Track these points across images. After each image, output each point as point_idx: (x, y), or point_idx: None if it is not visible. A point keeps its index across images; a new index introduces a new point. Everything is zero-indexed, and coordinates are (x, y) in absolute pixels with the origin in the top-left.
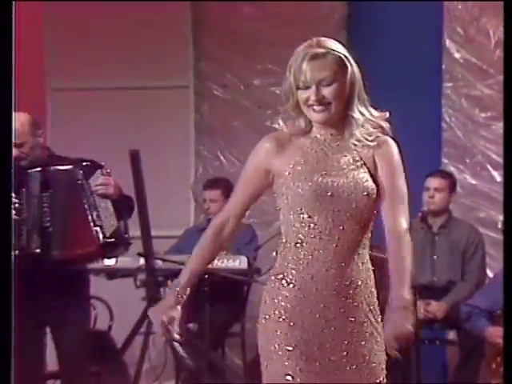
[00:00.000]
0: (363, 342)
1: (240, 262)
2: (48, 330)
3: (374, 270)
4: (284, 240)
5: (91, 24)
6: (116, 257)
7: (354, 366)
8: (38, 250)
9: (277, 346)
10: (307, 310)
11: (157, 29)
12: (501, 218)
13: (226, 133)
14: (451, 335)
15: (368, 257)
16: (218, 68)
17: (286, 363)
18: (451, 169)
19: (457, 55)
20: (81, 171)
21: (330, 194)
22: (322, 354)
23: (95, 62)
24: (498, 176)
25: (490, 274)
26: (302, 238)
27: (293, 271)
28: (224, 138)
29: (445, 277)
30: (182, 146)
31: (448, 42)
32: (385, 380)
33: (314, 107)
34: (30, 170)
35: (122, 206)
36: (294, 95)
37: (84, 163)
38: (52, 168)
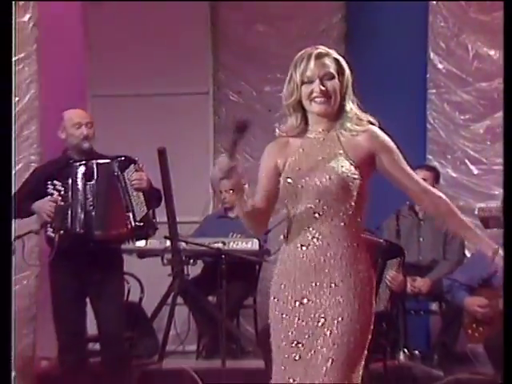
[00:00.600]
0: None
1: (252, 244)
2: (88, 300)
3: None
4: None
5: (127, 40)
6: (145, 239)
7: (329, 331)
8: (81, 231)
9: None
10: (288, 288)
11: (182, 45)
12: (477, 205)
13: None
14: (434, 306)
15: (354, 237)
16: (234, 77)
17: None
18: (435, 163)
19: (440, 66)
20: (117, 165)
21: (310, 188)
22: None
23: (129, 72)
24: (475, 169)
25: (467, 253)
26: (291, 227)
27: (284, 254)
28: None
29: (429, 256)
30: (203, 144)
31: (432, 55)
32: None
33: (317, 99)
34: (76, 163)
35: (152, 196)
36: (297, 90)
37: (119, 158)
38: (94, 162)
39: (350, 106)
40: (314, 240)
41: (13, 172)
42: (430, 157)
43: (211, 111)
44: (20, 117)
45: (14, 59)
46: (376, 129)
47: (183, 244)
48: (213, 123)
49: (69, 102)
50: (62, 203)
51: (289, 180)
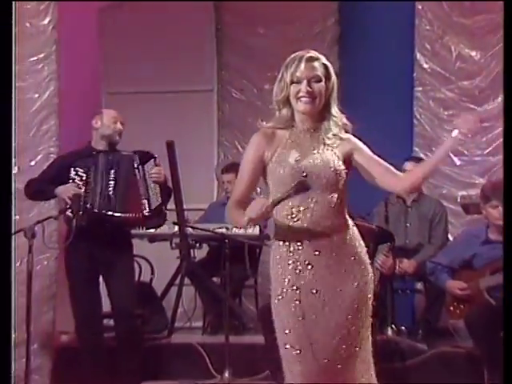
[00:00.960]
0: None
1: (253, 230)
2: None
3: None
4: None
5: (138, 42)
6: (155, 227)
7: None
8: (99, 211)
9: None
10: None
11: (189, 46)
12: (459, 193)
13: (243, 127)
14: (419, 286)
15: (345, 219)
16: (236, 76)
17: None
18: (421, 155)
19: (425, 65)
20: (138, 158)
21: (304, 174)
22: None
23: (140, 71)
24: (457, 161)
25: (450, 237)
26: (285, 211)
27: (281, 239)
28: (241, 131)
29: (415, 240)
30: (208, 137)
31: (418, 55)
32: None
33: (303, 99)
34: (99, 153)
35: (165, 190)
36: (286, 89)
37: (141, 152)
38: (116, 152)
39: (336, 110)
40: (306, 223)
41: (13, 172)
42: (417, 149)
43: (215, 107)
44: (40, 112)
45: (33, 59)
46: (354, 140)
47: (190, 229)
48: (217, 118)
49: (85, 99)
50: (83, 188)
51: (281, 170)
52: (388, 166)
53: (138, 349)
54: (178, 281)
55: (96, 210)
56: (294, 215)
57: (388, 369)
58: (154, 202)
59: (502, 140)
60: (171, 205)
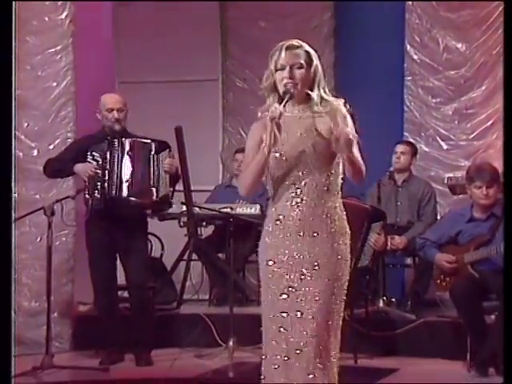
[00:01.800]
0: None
1: (255, 209)
2: (118, 255)
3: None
4: (271, 194)
5: (149, 35)
6: (160, 212)
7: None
8: (113, 195)
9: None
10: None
11: (195, 39)
12: (446, 175)
13: (246, 114)
14: (409, 261)
15: (333, 198)
16: (240, 66)
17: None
18: (410, 140)
19: (415, 57)
20: (154, 146)
21: (285, 158)
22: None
23: (151, 62)
24: (444, 145)
25: (438, 216)
26: (277, 192)
27: (274, 215)
28: (244, 118)
29: (405, 218)
30: (213, 123)
31: (408, 47)
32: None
33: (286, 85)
34: (114, 139)
35: (175, 180)
36: (272, 76)
37: (158, 142)
38: (135, 139)
39: (317, 93)
40: (301, 203)
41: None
42: (407, 134)
43: (220, 96)
44: (58, 100)
45: (51, 50)
46: (337, 106)
47: (197, 209)
48: (222, 106)
49: (99, 87)
50: (100, 172)
51: (276, 154)
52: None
53: (150, 318)
54: (186, 256)
55: (113, 194)
56: (292, 195)
57: (379, 337)
58: (162, 191)
59: (485, 126)
60: (179, 186)
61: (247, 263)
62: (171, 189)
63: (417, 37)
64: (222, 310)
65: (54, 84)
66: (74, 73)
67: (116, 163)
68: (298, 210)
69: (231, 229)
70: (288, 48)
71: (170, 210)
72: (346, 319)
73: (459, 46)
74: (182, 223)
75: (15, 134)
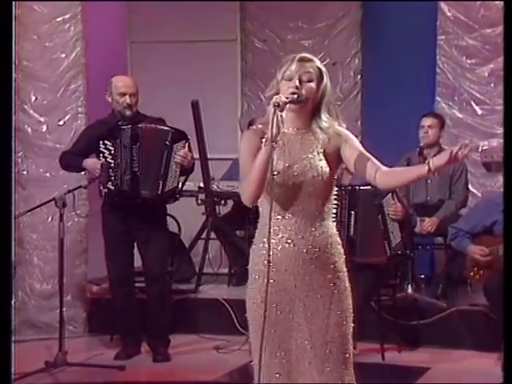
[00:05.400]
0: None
1: None
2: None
3: None
4: (262, 215)
5: None
6: (167, 203)
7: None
8: (125, 188)
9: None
10: (277, 270)
11: None
12: (481, 143)
13: (265, 77)
14: (439, 240)
15: (330, 225)
16: (260, 26)
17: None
18: (442, 105)
19: (449, 14)
20: (171, 135)
21: (291, 183)
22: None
23: (166, 20)
24: (479, 110)
25: (472, 189)
26: (273, 214)
27: (266, 242)
28: (264, 82)
29: (436, 196)
30: (231, 87)
31: (442, 4)
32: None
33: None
34: (125, 127)
35: (186, 173)
36: (277, 85)
37: (176, 131)
38: (148, 125)
39: (326, 114)
40: (293, 233)
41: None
42: (439, 99)
43: (239, 57)
44: (67, 72)
45: (59, 19)
46: (347, 132)
47: (215, 186)
48: (240, 68)
49: (110, 48)
50: (112, 161)
51: (274, 172)
52: (373, 159)
53: (167, 310)
54: (204, 235)
55: (124, 185)
56: (279, 219)
57: (407, 326)
58: (169, 185)
59: None
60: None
61: None
62: (179, 182)
63: None
64: (242, 293)
65: (63, 55)
66: (83, 43)
67: (127, 152)
68: (289, 241)
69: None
70: (300, 60)
71: (187, 187)
72: (373, 307)
73: (497, 2)
74: (199, 201)
75: (23, 107)
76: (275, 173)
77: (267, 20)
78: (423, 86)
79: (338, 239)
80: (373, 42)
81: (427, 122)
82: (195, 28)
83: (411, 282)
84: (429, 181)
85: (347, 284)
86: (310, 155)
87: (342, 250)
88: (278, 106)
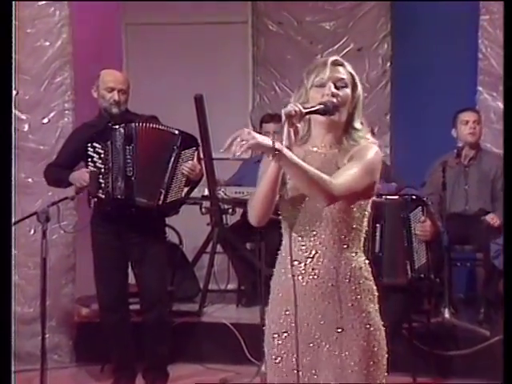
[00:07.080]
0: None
1: None
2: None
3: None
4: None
5: None
6: (166, 216)
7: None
8: (121, 197)
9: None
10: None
11: None
12: None
13: (281, 65)
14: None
15: (351, 256)
16: (274, 6)
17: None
18: (485, 96)
19: None
20: (180, 140)
21: (301, 206)
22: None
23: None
24: None
25: None
26: (289, 240)
27: (283, 265)
28: (278, 70)
29: (476, 205)
30: (241, 76)
31: None
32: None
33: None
34: (116, 126)
35: (192, 185)
36: (306, 94)
37: (186, 136)
38: (147, 124)
39: (359, 123)
40: (314, 264)
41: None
42: (480, 88)
43: (250, 42)
44: (52, 63)
45: (43, 2)
46: (370, 146)
47: (221, 193)
48: (252, 54)
49: (102, 35)
50: (103, 166)
51: (290, 193)
52: (343, 169)
53: (166, 338)
54: (209, 249)
55: (116, 193)
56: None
57: (442, 356)
58: (172, 195)
59: None
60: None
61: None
62: (184, 194)
63: None
64: (253, 316)
65: (47, 43)
66: (70, 29)
67: (119, 155)
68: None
69: None
70: (333, 63)
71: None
72: (404, 334)
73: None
74: (203, 210)
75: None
76: (291, 194)
77: None
78: (463, 74)
79: (365, 273)
80: (404, 25)
81: (472, 116)
82: (200, 9)
83: (448, 305)
84: (466, 186)
85: (372, 325)
86: (329, 175)
87: (369, 285)
88: (291, 116)
